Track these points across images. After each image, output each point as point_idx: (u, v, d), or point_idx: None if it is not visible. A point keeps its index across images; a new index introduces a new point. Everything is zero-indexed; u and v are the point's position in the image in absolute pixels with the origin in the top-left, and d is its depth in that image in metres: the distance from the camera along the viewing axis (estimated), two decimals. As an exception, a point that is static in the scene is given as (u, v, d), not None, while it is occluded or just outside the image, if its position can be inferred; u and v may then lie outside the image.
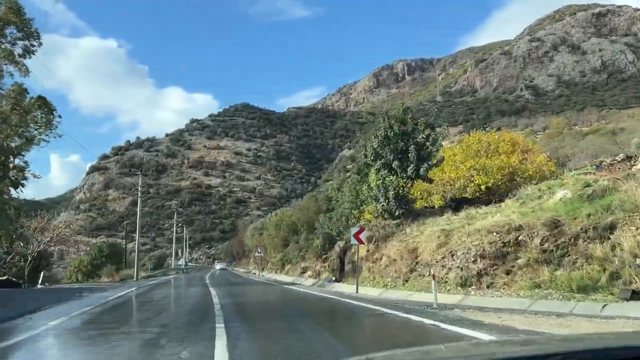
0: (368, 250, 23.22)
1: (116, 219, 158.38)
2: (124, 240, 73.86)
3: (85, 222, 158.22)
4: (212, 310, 12.19)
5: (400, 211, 22.89)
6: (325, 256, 29.99)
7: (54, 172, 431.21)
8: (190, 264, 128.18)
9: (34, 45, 25.24)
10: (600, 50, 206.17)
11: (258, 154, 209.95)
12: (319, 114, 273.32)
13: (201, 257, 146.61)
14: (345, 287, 22.46)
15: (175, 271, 64.41)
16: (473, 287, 15.44)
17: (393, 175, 23.08)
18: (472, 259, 16.05)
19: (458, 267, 16.35)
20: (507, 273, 15.11)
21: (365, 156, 24.61)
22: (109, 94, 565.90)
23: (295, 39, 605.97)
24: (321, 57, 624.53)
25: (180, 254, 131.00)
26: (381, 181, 23.20)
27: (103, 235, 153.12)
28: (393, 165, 23.10)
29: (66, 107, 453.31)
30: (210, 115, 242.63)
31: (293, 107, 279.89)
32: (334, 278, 25.34)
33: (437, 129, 25.11)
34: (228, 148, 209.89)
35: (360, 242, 19.70)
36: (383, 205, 23.17)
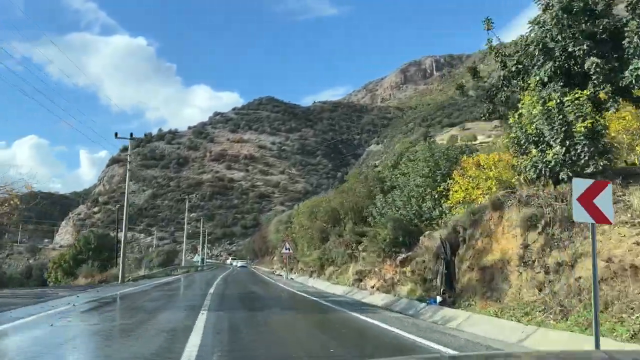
0: (527, 245, 10.92)
1: (135, 212, 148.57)
2: (117, 231, 62.94)
3: (104, 215, 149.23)
4: None
5: (598, 165, 10.49)
6: (402, 256, 17.71)
7: (84, 167, 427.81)
8: (209, 260, 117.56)
9: None
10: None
11: (282, 148, 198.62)
12: (345, 109, 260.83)
13: (221, 253, 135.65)
14: (494, 327, 10.01)
15: (185, 269, 52.85)
16: None
17: (582, 90, 10.68)
18: None
19: None
20: None
21: (505, 66, 12.32)
22: (138, 92, 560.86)
23: (322, 37, 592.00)
24: (347, 54, 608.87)
25: (198, 249, 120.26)
26: (555, 102, 10.77)
27: (121, 229, 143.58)
28: (586, 66, 10.71)
29: (96, 103, 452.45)
30: (234, 109, 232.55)
31: (319, 102, 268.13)
32: (439, 298, 13.02)
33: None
34: (252, 141, 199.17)
35: None
36: (555, 154, 10.78)
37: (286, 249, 35.70)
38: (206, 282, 29.65)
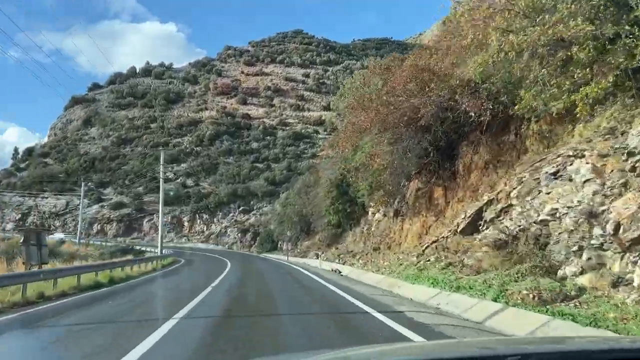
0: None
1: (81, 164, 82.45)
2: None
3: (32, 171, 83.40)
4: None
5: None
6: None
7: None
8: (167, 245, 51.29)
9: None
10: None
11: (321, 81, 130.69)
12: (394, 46, 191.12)
13: (229, 229, 68.36)
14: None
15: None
16: None
17: None
18: None
19: None
20: None
21: None
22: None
23: (358, 8, 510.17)
24: (383, 23, 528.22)
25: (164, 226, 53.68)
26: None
27: (49, 191, 78.05)
28: None
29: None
30: (249, 42, 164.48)
31: (359, 39, 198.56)
32: None
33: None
34: (275, 74, 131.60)
35: None
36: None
37: None
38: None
